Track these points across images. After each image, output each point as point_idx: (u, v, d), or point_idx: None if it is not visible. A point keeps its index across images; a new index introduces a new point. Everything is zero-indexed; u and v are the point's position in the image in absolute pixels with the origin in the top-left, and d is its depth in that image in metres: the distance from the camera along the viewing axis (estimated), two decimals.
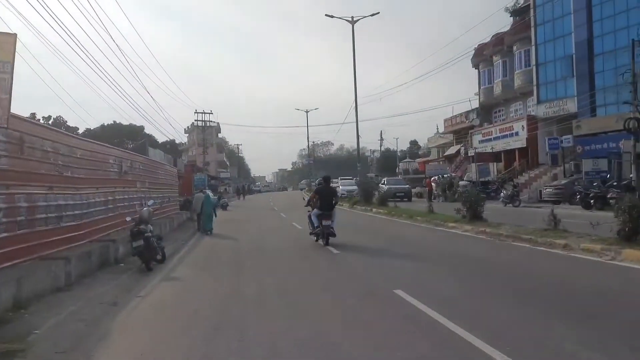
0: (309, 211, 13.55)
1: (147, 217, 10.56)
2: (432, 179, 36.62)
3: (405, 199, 34.14)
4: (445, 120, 51.37)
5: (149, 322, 6.25)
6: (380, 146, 77.24)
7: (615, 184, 20.99)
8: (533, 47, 35.42)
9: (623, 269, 8.06)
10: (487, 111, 44.17)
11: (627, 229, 9.02)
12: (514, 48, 38.25)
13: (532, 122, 34.81)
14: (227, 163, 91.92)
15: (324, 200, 12.86)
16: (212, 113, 59.06)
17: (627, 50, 26.24)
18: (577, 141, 30.19)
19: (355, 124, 36.52)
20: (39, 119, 55.67)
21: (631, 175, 20.95)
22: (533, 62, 35.58)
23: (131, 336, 5.65)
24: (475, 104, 45.54)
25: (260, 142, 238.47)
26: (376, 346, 4.74)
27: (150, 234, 10.09)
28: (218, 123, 67.80)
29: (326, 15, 33.29)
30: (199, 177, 39.52)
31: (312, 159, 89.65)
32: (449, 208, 19.33)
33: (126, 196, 13.62)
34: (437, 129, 60.36)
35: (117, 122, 65.20)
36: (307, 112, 65.32)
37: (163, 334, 5.54)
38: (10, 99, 6.64)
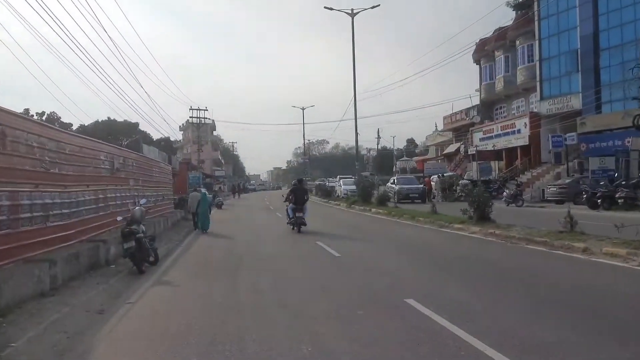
0: (286, 206, 17.02)
1: (140, 216, 10.05)
2: (431, 177, 35.91)
3: (418, 201, 30.32)
4: (444, 118, 50.69)
5: (137, 333, 5.69)
6: (378, 144, 76.62)
7: (623, 183, 20.38)
8: (536, 42, 34.65)
9: None
10: (488, 108, 43.52)
11: None
12: (517, 43, 37.55)
13: (535, 119, 34.12)
14: (222, 161, 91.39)
15: (298, 197, 16.26)
16: (207, 110, 58.35)
17: (633, 44, 25.80)
18: (582, 139, 29.60)
19: (353, 120, 35.83)
20: (32, 115, 54.90)
21: None
22: (536, 57, 34.85)
23: (117, 351, 5.14)
24: (476, 101, 44.86)
25: (256, 140, 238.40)
26: None
27: (142, 235, 9.59)
28: (213, 120, 67.06)
29: (325, 7, 32.42)
30: (193, 175, 39.30)
31: (308, 158, 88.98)
32: (450, 208, 18.81)
33: (118, 194, 13.10)
34: (436, 126, 59.88)
35: (112, 118, 64.61)
36: (303, 109, 64.25)
37: (152, 350, 4.95)
38: None
